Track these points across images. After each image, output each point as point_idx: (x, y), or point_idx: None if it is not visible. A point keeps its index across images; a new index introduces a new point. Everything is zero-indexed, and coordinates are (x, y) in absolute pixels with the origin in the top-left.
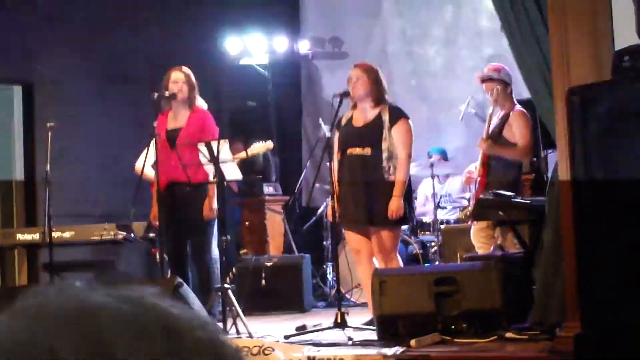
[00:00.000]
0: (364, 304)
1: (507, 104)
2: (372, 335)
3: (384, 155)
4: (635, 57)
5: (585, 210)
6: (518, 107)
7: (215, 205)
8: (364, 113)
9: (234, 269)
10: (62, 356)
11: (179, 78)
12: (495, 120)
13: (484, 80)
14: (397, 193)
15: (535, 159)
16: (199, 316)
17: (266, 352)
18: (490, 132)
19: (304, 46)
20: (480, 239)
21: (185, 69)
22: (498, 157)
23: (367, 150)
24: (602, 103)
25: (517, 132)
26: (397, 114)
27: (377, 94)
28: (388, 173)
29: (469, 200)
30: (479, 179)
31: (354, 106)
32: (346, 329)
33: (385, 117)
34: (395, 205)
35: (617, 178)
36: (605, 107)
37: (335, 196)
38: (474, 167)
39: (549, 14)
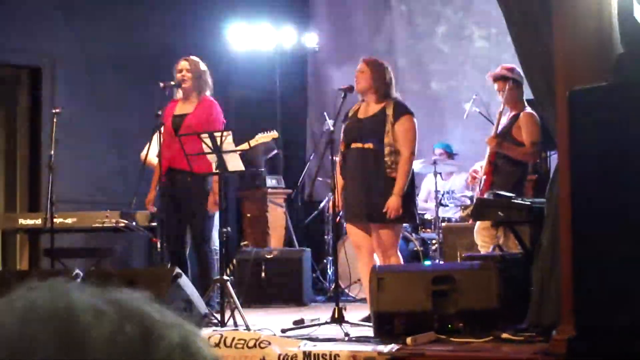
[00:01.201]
0: (364, 300)
1: (517, 105)
2: (370, 331)
3: (386, 150)
4: (637, 61)
5: (583, 213)
6: (528, 108)
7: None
8: (367, 107)
9: (234, 261)
10: (42, 354)
11: (183, 67)
12: (504, 121)
13: (496, 79)
14: (397, 191)
15: (538, 160)
16: (181, 323)
17: (262, 345)
18: (499, 131)
19: (311, 39)
20: (483, 237)
21: (193, 58)
22: (505, 157)
23: (369, 145)
24: (603, 106)
25: (526, 133)
26: (402, 110)
27: (381, 89)
28: (390, 168)
29: (471, 198)
30: (484, 177)
31: (362, 100)
32: (344, 324)
33: (389, 112)
34: (393, 204)
35: (615, 182)
36: (606, 110)
37: (337, 190)
38: (480, 167)
39: (553, 15)
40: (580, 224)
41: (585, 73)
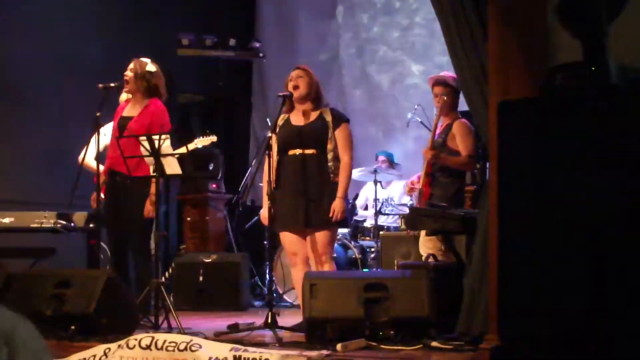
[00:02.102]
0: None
1: (451, 114)
2: (302, 337)
3: (330, 155)
4: (567, 75)
5: (508, 225)
6: (461, 118)
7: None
8: (305, 114)
9: (172, 265)
10: None
11: (129, 68)
12: (438, 131)
13: (438, 83)
14: (340, 194)
15: (475, 169)
16: (14, 317)
17: (193, 348)
18: (434, 142)
19: (256, 46)
20: (428, 248)
21: (142, 59)
22: (442, 168)
23: (312, 151)
24: (530, 118)
25: (461, 142)
26: (340, 118)
27: (317, 97)
28: (334, 173)
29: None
30: (422, 189)
31: (290, 109)
32: (277, 329)
33: (329, 119)
34: (338, 207)
35: (540, 195)
36: (534, 123)
37: (269, 197)
38: (417, 177)
39: (488, 26)
40: (506, 235)
41: (519, 84)
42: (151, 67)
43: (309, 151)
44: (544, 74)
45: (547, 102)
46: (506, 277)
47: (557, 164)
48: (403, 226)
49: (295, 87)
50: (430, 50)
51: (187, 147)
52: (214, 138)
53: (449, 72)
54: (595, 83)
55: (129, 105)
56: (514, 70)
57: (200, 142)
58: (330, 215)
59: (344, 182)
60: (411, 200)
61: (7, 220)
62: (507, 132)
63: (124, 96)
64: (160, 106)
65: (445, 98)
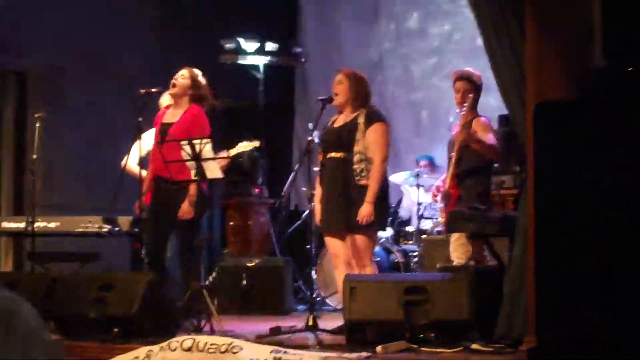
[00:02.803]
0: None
1: (471, 112)
2: (343, 339)
3: (355, 158)
4: (605, 77)
5: (545, 228)
6: (480, 116)
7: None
8: (346, 117)
9: (215, 269)
10: None
11: (181, 73)
12: (457, 129)
13: (460, 78)
14: (369, 199)
15: (522, 174)
16: (11, 296)
17: (234, 350)
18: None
19: (299, 50)
20: (459, 254)
21: (194, 69)
22: (468, 170)
23: (341, 154)
24: (567, 121)
25: (483, 136)
26: (373, 117)
27: (357, 99)
28: (360, 176)
29: None
30: (450, 191)
31: (340, 111)
32: (318, 332)
33: (361, 120)
34: (365, 211)
35: (576, 199)
36: (571, 125)
37: (317, 199)
38: (441, 182)
39: (526, 28)
40: (543, 237)
41: (557, 86)
42: (202, 78)
43: (339, 154)
44: (582, 76)
45: (585, 105)
46: (544, 279)
47: (595, 166)
48: (432, 228)
49: (335, 94)
50: (474, 52)
51: (228, 152)
52: (256, 143)
53: (471, 69)
54: (633, 85)
55: (170, 111)
56: (552, 72)
57: (242, 147)
58: (358, 219)
59: (374, 185)
60: (441, 204)
61: (52, 225)
62: (544, 135)
63: (164, 101)
64: (200, 111)
65: (470, 95)
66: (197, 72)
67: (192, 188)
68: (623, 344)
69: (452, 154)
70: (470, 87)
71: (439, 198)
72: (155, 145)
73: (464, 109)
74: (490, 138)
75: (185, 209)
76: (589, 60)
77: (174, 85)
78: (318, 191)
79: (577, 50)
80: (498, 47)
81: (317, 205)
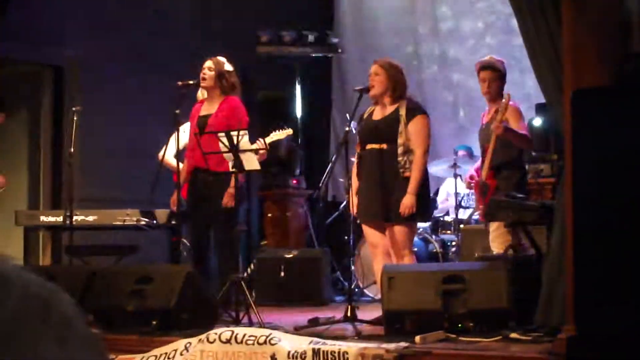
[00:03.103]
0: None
1: (498, 100)
2: (381, 330)
3: (399, 150)
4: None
5: (584, 216)
6: (510, 101)
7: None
8: (383, 109)
9: (254, 260)
10: None
11: (206, 66)
12: (487, 117)
13: (484, 68)
14: (411, 190)
15: (560, 162)
16: (46, 284)
17: (272, 341)
18: (484, 125)
19: (336, 40)
20: (498, 244)
21: (218, 58)
22: (504, 161)
23: (384, 146)
24: (606, 108)
25: (514, 123)
26: (415, 110)
27: (395, 90)
28: (404, 168)
29: None
30: (487, 182)
31: (376, 102)
32: (356, 323)
33: (402, 112)
34: (408, 202)
35: (616, 186)
36: (609, 113)
37: (352, 191)
38: (474, 171)
39: (563, 15)
40: (582, 225)
41: (594, 73)
42: (228, 66)
43: (382, 146)
44: (619, 62)
45: (622, 91)
46: (583, 268)
47: (633, 153)
48: (467, 218)
49: (372, 86)
50: (507, 44)
51: (264, 141)
52: (289, 131)
53: (494, 57)
54: None
55: (205, 104)
56: (589, 59)
57: (276, 136)
58: (400, 211)
59: (416, 177)
60: (475, 194)
61: (91, 218)
62: (581, 122)
63: (202, 94)
64: (238, 102)
65: (492, 85)
66: (222, 59)
67: (233, 179)
68: None
69: (486, 144)
70: (495, 75)
71: (472, 186)
72: (193, 138)
73: (487, 99)
74: (521, 126)
75: (228, 198)
76: (627, 46)
77: (204, 79)
78: (355, 183)
79: (614, 36)
80: (535, 34)
81: (353, 197)
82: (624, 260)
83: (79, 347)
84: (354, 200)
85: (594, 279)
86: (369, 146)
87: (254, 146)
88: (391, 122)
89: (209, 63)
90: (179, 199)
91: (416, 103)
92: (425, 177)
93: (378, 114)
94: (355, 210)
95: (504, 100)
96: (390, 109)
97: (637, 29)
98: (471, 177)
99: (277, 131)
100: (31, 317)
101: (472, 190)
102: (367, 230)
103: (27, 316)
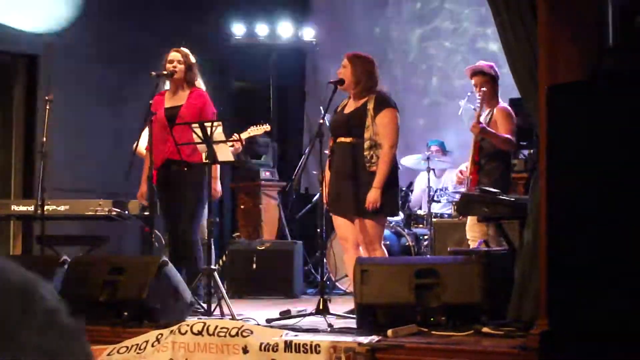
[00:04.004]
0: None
1: (492, 102)
2: (353, 323)
3: (366, 144)
4: (619, 59)
5: (558, 212)
6: (502, 103)
7: (219, 186)
8: (355, 102)
9: (226, 252)
10: None
11: (175, 57)
12: (482, 119)
13: (474, 74)
14: (376, 184)
15: (533, 157)
16: (27, 273)
17: (244, 334)
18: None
19: (309, 33)
20: (474, 233)
21: (183, 49)
22: (487, 155)
23: (351, 139)
24: (580, 103)
25: (501, 125)
26: (383, 103)
27: (365, 84)
28: (370, 162)
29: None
30: (470, 177)
31: (350, 95)
32: (328, 316)
33: (370, 106)
34: (372, 197)
35: (590, 182)
36: (584, 108)
37: (324, 183)
38: (465, 167)
39: (538, 9)
40: (555, 220)
41: (570, 68)
42: (192, 57)
43: (350, 139)
44: (595, 58)
45: (598, 86)
46: (556, 262)
47: (607, 148)
48: (455, 213)
49: (340, 77)
50: (482, 38)
51: (239, 136)
52: (267, 127)
53: (484, 62)
54: None
55: (168, 95)
56: (564, 54)
57: (253, 131)
58: (366, 205)
59: (382, 171)
60: (463, 189)
61: (62, 208)
62: (556, 117)
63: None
64: (204, 93)
65: (484, 89)
66: (187, 51)
67: (215, 170)
68: (636, 327)
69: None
70: (485, 79)
71: (464, 184)
72: (161, 130)
73: (477, 102)
74: (509, 128)
75: (214, 189)
76: (602, 41)
77: (175, 71)
78: (327, 175)
79: (589, 31)
80: (510, 27)
81: (324, 189)
82: (596, 256)
83: (60, 336)
84: (325, 193)
85: (567, 274)
86: (339, 139)
87: (232, 139)
88: (358, 116)
89: (176, 55)
90: (150, 190)
91: (385, 96)
92: (393, 171)
93: (350, 107)
94: (326, 202)
95: (478, 99)
96: (358, 102)
97: (613, 24)
98: (461, 172)
99: (255, 126)
100: (12, 306)
101: (462, 184)
102: (338, 224)
103: (7, 306)
